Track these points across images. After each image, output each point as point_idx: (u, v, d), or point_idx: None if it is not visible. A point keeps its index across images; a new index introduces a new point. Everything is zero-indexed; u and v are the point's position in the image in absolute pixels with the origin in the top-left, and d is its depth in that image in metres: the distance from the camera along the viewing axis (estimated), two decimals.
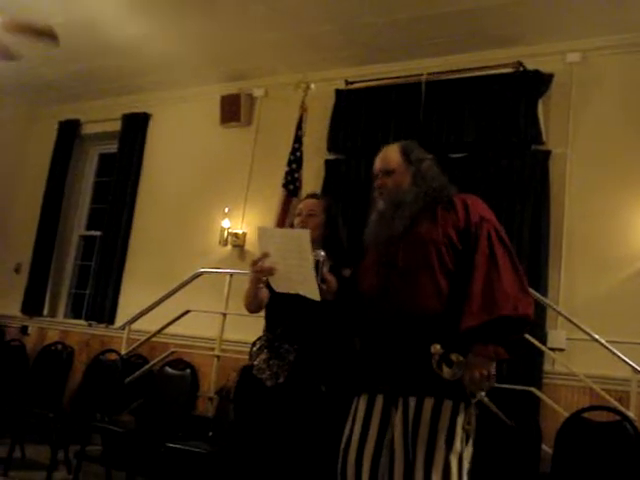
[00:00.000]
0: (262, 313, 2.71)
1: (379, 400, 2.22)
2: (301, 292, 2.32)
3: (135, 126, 6.53)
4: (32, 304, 6.69)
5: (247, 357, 2.70)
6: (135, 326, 5.42)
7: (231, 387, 4.01)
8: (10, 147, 7.14)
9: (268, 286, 2.55)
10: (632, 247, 4.23)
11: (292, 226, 2.79)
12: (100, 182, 7.12)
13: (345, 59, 5.36)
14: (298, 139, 5.21)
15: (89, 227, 7.05)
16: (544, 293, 4.26)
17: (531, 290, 2.29)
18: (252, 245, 5.55)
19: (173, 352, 5.11)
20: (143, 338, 5.30)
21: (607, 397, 3.76)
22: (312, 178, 5.25)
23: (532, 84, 4.67)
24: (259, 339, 2.69)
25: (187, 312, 5.08)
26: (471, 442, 2.15)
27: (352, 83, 5.37)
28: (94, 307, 6.26)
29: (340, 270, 2.48)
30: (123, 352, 5.22)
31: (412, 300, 2.18)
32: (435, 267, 2.19)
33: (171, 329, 5.25)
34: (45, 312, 6.73)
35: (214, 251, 5.77)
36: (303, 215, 2.68)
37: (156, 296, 5.25)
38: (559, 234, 4.46)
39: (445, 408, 2.12)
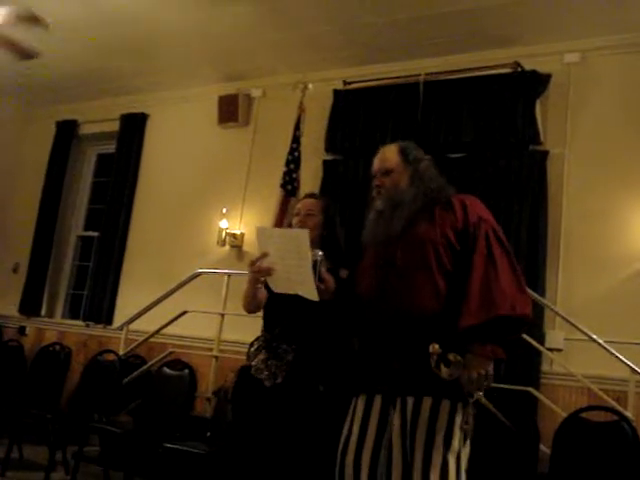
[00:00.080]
0: (260, 313, 2.71)
1: (377, 400, 2.22)
2: (299, 292, 2.32)
3: (133, 126, 6.52)
4: (30, 304, 6.68)
5: (245, 357, 2.69)
6: (133, 326, 5.42)
7: (229, 387, 4.00)
8: (8, 147, 7.13)
9: (266, 286, 2.54)
10: (630, 247, 4.23)
11: (290, 226, 2.78)
12: (98, 182, 7.11)
13: (344, 59, 5.35)
14: (296, 139, 5.21)
15: (87, 227, 7.04)
16: (542, 293, 4.27)
17: (529, 290, 2.29)
18: (250, 245, 5.55)
19: (171, 352, 5.10)
20: (141, 339, 5.30)
21: (605, 397, 3.77)
22: (310, 178, 5.25)
23: (530, 84, 4.67)
24: (257, 339, 2.68)
25: (185, 312, 5.08)
26: (469, 442, 2.15)
27: (350, 83, 5.36)
28: (92, 307, 6.25)
29: (338, 270, 2.48)
30: (121, 353, 5.21)
31: (410, 300, 2.18)
32: (433, 267, 2.19)
33: (169, 329, 5.25)
34: (43, 312, 6.72)
35: (212, 251, 5.76)
36: (301, 215, 2.68)
37: (154, 296, 5.25)
38: (557, 234, 4.47)
39: (443, 408, 2.12)
